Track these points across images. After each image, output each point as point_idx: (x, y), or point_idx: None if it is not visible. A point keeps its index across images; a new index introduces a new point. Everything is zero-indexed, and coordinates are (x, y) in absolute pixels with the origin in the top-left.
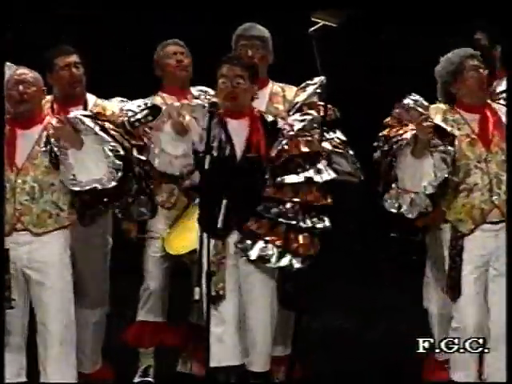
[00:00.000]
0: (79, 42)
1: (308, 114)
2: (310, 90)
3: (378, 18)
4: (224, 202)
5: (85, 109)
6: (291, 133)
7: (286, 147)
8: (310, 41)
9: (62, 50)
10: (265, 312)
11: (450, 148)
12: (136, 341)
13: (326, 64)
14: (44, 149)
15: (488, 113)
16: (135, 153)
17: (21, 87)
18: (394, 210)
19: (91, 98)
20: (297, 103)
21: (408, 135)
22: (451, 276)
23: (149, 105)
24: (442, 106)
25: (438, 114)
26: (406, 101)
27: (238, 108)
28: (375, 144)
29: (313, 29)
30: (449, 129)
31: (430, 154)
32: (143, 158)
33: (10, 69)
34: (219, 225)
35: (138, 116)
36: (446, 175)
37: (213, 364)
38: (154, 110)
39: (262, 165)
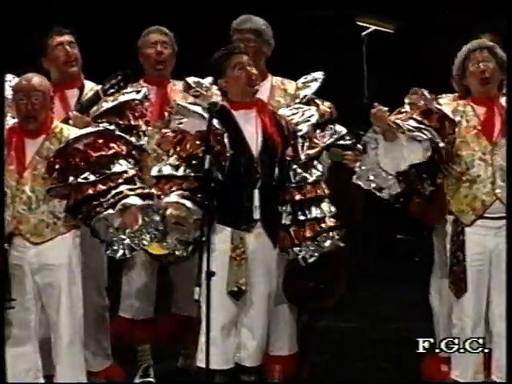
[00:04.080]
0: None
1: (306, 109)
2: (315, 85)
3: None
4: (256, 192)
5: (81, 92)
6: (303, 132)
7: (304, 147)
8: (361, 44)
9: (55, 31)
10: (265, 308)
11: (425, 134)
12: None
13: (373, 68)
14: (43, 159)
15: (496, 106)
16: (118, 132)
17: (29, 104)
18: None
19: (89, 83)
20: (304, 96)
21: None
22: (453, 271)
23: (119, 73)
24: (450, 97)
25: (447, 104)
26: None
27: (255, 94)
28: None
29: (365, 33)
30: (457, 119)
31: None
32: (129, 138)
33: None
34: (256, 216)
35: (111, 82)
36: (419, 160)
37: (207, 366)
38: (126, 77)
39: (276, 154)
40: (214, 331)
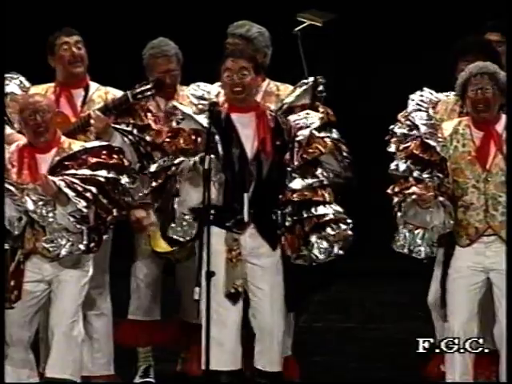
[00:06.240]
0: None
1: (310, 116)
2: (297, 92)
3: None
4: (245, 195)
5: (86, 93)
6: (300, 138)
7: (301, 152)
8: (296, 40)
9: (64, 31)
10: (280, 308)
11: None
12: (128, 340)
13: (312, 63)
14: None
15: (493, 130)
16: (136, 131)
17: (38, 117)
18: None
19: (94, 84)
20: (284, 104)
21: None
22: (443, 286)
23: (152, 80)
24: (452, 99)
25: (450, 120)
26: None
27: (244, 101)
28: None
29: (298, 28)
30: (454, 143)
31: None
32: (146, 137)
33: (12, 80)
34: (245, 219)
35: (142, 88)
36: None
37: (213, 367)
38: (158, 85)
39: (268, 159)
40: (220, 332)
